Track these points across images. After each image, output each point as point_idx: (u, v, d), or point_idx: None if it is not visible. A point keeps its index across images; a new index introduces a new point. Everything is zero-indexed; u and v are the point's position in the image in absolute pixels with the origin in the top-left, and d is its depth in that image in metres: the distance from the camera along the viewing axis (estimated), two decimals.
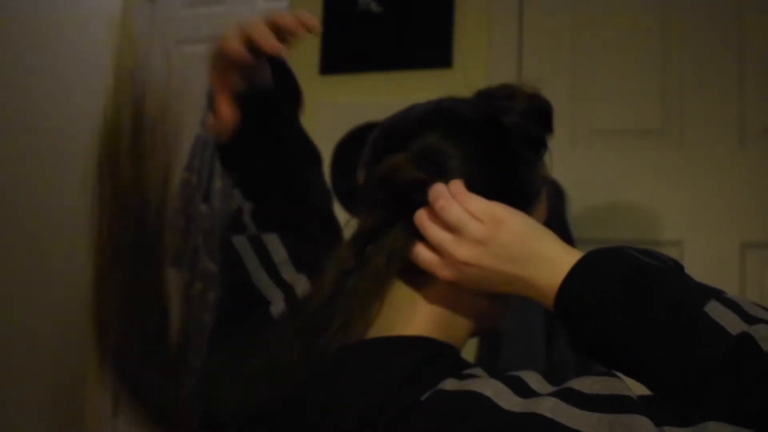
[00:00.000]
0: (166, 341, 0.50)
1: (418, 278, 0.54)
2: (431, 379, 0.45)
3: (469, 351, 1.33)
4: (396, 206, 0.54)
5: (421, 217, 0.52)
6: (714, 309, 0.43)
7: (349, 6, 1.76)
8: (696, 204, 1.44)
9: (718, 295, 0.45)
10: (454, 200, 0.51)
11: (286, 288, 0.59)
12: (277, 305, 0.57)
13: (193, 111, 2.36)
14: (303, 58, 1.80)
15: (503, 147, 0.56)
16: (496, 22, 1.65)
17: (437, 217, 0.51)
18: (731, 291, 0.47)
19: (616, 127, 1.54)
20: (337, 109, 1.74)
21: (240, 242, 0.64)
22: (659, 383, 0.43)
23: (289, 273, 0.60)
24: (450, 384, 0.44)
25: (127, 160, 0.52)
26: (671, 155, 1.49)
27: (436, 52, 1.68)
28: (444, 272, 0.52)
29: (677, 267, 0.50)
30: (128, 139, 0.52)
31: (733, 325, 0.42)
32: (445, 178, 0.53)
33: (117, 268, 0.49)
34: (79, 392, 2.40)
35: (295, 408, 0.48)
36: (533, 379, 0.44)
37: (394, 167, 0.54)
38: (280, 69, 0.69)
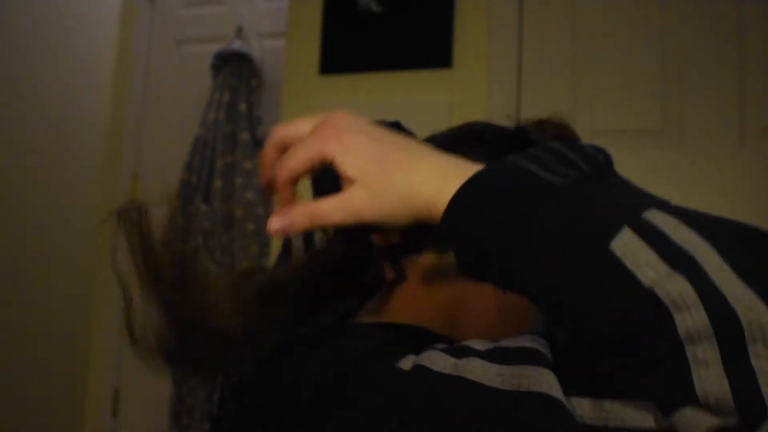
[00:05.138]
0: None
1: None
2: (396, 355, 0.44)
3: None
4: None
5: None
6: (624, 244, 0.34)
7: (349, 6, 1.76)
8: (696, 204, 1.44)
9: (636, 219, 0.35)
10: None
11: None
12: None
13: (193, 111, 2.37)
14: (303, 58, 1.81)
15: None
16: (496, 22, 1.66)
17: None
18: None
19: (616, 127, 1.54)
20: (337, 109, 1.74)
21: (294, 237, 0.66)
22: (565, 326, 0.38)
23: None
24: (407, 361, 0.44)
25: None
26: (671, 155, 1.49)
27: (436, 52, 1.68)
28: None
29: (599, 169, 0.40)
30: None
31: (647, 269, 0.33)
32: None
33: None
34: (79, 392, 2.40)
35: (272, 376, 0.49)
36: (480, 343, 0.42)
37: None
38: None
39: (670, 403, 0.32)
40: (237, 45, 2.26)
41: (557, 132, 0.61)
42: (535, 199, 0.37)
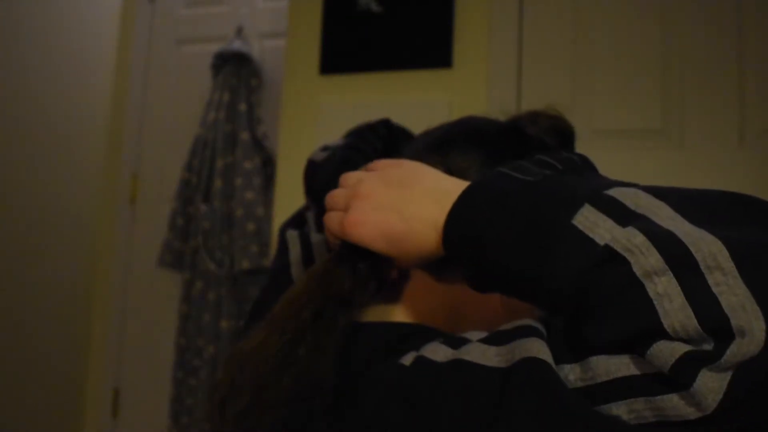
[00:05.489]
0: None
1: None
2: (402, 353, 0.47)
3: None
4: None
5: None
6: (585, 218, 0.38)
7: (349, 6, 1.76)
8: None
9: (596, 196, 0.39)
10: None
11: None
12: None
13: (193, 111, 2.37)
14: (303, 58, 1.81)
15: (522, 153, 0.57)
16: (496, 22, 1.66)
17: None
18: None
19: (616, 127, 1.54)
20: (337, 109, 1.74)
21: (291, 235, 0.69)
22: (547, 306, 0.42)
23: None
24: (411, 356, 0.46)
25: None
26: (671, 155, 1.49)
27: (436, 52, 1.68)
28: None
29: (572, 167, 0.45)
30: None
31: (604, 232, 0.37)
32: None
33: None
34: (79, 392, 2.40)
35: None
36: (476, 334, 0.45)
37: None
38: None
39: (643, 342, 0.34)
40: (237, 45, 2.27)
41: (551, 123, 0.61)
42: (510, 193, 0.42)
